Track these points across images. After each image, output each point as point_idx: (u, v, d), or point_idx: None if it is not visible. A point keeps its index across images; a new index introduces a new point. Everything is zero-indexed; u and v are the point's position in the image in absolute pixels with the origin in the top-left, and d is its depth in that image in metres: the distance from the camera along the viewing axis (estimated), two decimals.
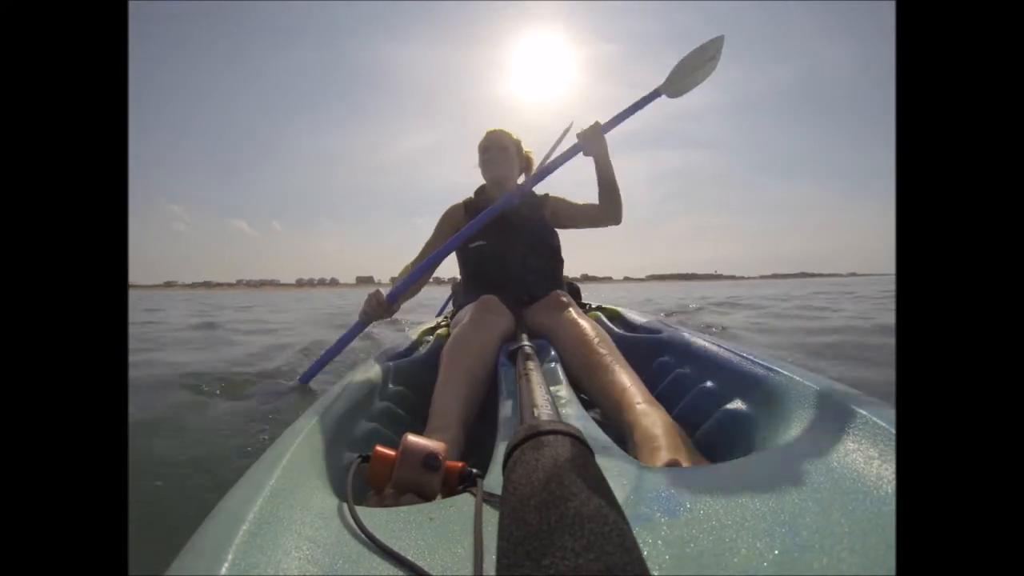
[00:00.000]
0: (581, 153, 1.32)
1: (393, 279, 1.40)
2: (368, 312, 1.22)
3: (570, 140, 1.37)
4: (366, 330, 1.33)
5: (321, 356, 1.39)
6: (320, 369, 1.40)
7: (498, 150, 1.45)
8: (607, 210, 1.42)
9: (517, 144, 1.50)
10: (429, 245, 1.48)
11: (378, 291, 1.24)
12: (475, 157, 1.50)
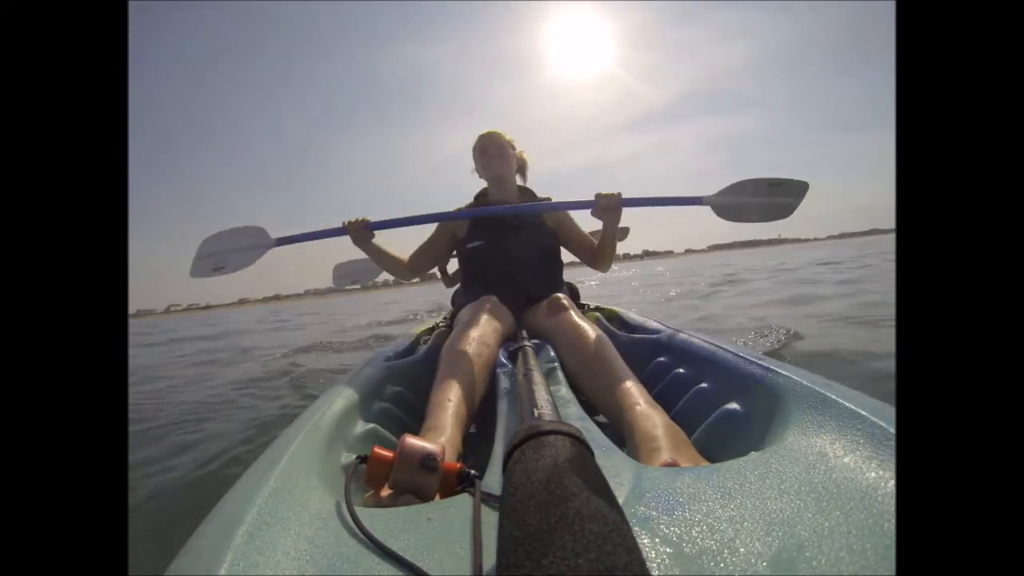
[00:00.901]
0: (591, 212, 1.26)
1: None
2: (348, 225, 1.33)
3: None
4: (365, 331, 1.37)
5: (302, 234, 1.42)
6: (296, 242, 1.43)
7: (496, 148, 1.45)
8: (599, 261, 1.43)
9: (511, 144, 1.50)
10: (426, 244, 1.49)
11: (366, 219, 1.33)
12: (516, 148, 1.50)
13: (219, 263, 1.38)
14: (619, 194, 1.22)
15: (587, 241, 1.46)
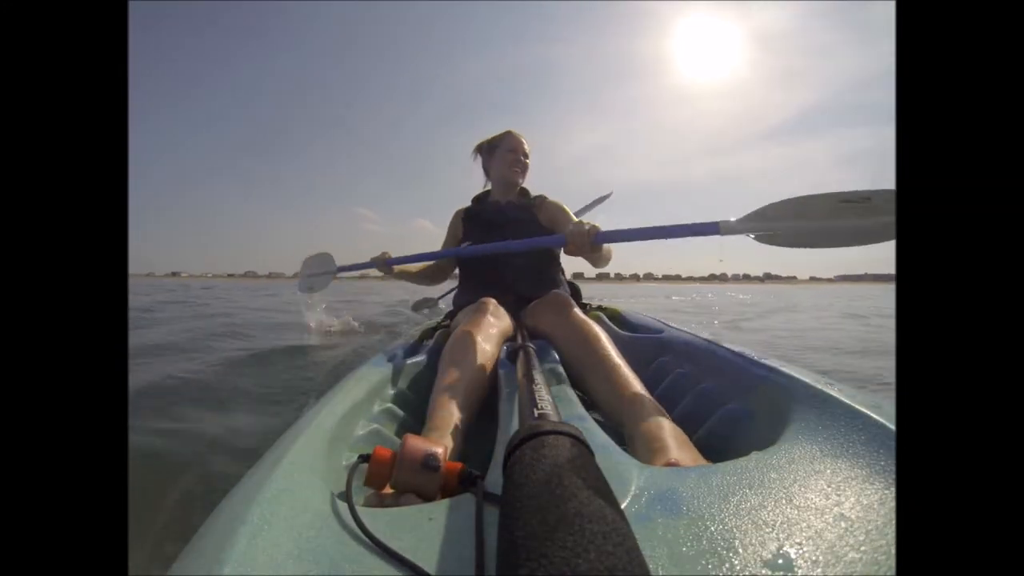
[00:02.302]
0: (563, 248, 1.17)
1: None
2: (375, 260, 1.51)
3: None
4: (361, 331, 1.48)
5: (344, 266, 1.75)
6: (343, 272, 1.78)
7: (524, 156, 1.48)
8: (594, 260, 1.35)
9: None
10: (444, 246, 1.58)
11: (387, 253, 1.51)
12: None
13: (311, 284, 1.91)
14: (593, 228, 1.08)
15: None
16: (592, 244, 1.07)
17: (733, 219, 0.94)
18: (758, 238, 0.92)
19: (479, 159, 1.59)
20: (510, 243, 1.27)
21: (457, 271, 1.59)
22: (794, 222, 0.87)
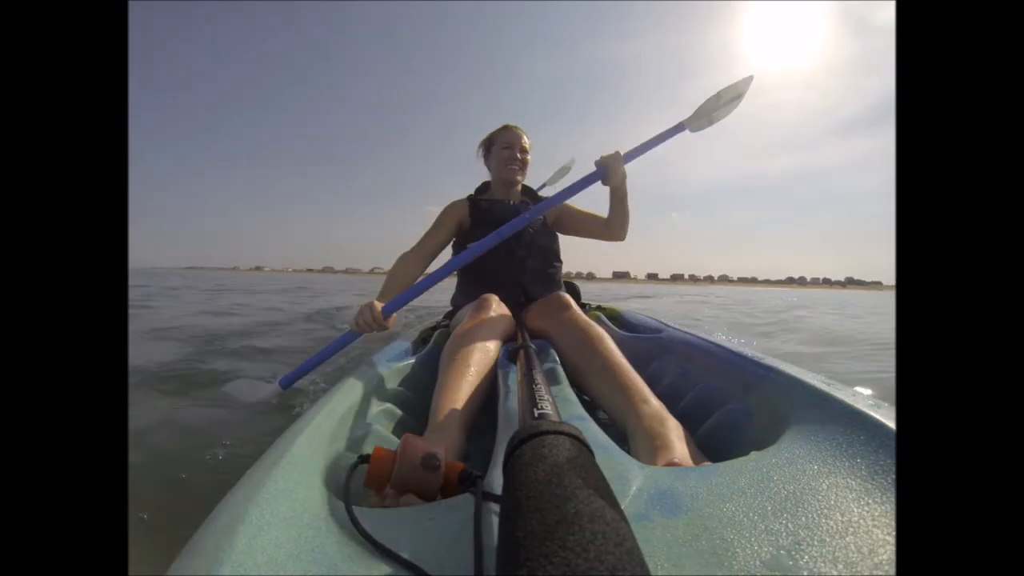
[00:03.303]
0: (601, 181, 1.26)
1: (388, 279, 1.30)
2: (360, 324, 1.09)
3: (576, 173, 1.35)
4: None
5: (306, 362, 1.22)
6: (302, 375, 1.24)
7: (522, 153, 1.45)
8: (615, 229, 1.43)
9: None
10: (429, 235, 1.41)
11: (373, 303, 1.10)
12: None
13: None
14: (618, 152, 1.24)
15: (594, 218, 1.47)
16: (623, 166, 1.24)
17: (687, 118, 1.32)
18: (692, 129, 1.32)
19: (481, 155, 1.58)
20: (538, 206, 1.25)
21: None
22: (714, 109, 1.31)
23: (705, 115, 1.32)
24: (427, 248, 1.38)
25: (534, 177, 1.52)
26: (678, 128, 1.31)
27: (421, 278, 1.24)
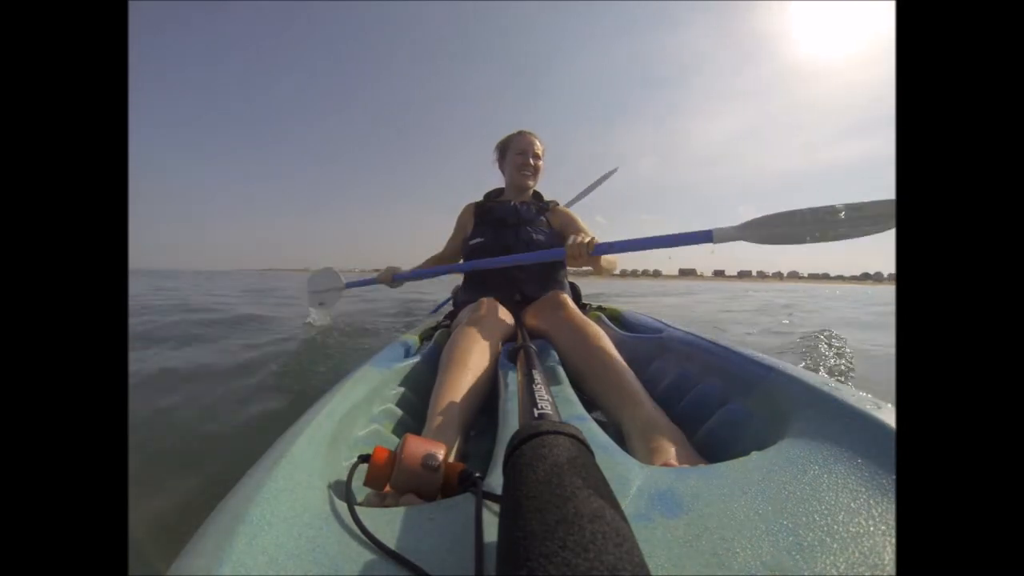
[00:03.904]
0: (563, 259, 1.20)
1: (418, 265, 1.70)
2: (380, 276, 1.68)
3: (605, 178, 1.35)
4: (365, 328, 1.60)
5: (353, 282, 1.96)
6: (353, 287, 1.99)
7: (535, 159, 1.47)
8: (599, 271, 1.42)
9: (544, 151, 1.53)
10: (450, 242, 1.64)
11: (393, 268, 1.65)
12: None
13: (321, 300, 2.18)
14: (591, 240, 1.14)
15: None
16: (590, 256, 1.13)
17: (728, 226, 1.09)
18: (747, 239, 1.09)
19: (496, 159, 1.60)
20: (517, 256, 1.32)
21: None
22: (781, 228, 1.02)
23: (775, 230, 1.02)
24: (448, 252, 1.64)
25: (548, 182, 1.57)
26: (700, 237, 1.11)
27: (430, 268, 1.60)
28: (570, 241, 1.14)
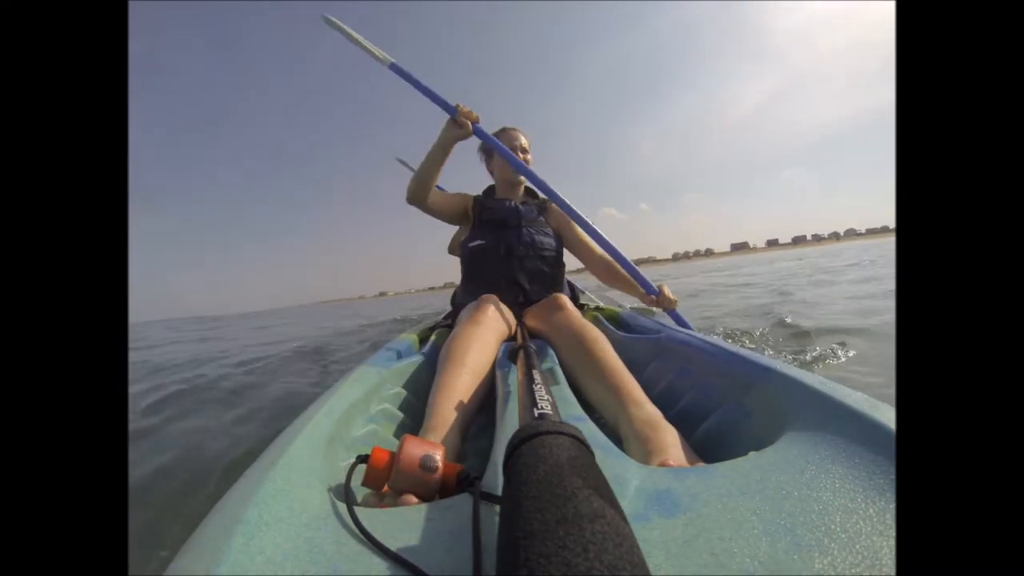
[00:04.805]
0: (652, 296, 1.30)
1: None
2: (460, 109, 1.30)
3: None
4: (362, 324, 1.40)
5: (417, 81, 1.44)
6: (409, 81, 1.46)
7: (521, 151, 1.46)
8: (600, 273, 1.44)
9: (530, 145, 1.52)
10: (444, 196, 1.47)
11: (477, 117, 1.32)
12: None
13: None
14: (675, 301, 1.27)
15: (588, 249, 1.47)
16: (669, 311, 1.27)
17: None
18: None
19: (482, 160, 1.59)
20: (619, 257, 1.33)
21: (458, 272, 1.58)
22: None
23: None
24: (439, 196, 1.42)
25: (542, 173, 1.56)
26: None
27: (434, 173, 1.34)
28: (666, 293, 1.27)
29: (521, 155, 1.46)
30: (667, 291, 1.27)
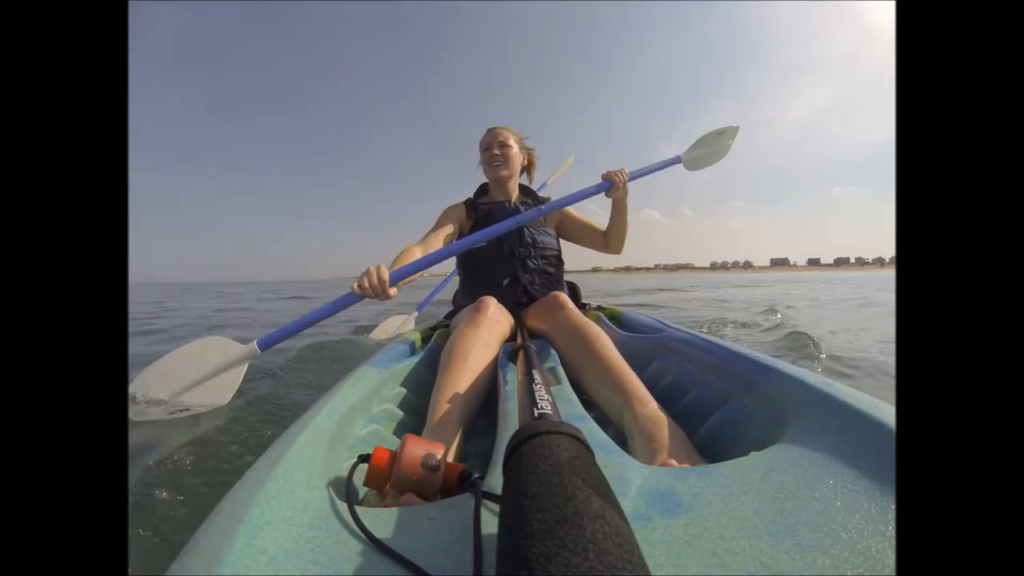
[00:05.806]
0: (606, 193, 1.38)
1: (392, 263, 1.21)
2: (363, 287, 1.01)
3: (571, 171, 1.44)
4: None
5: (291, 324, 1.11)
6: (284, 339, 1.14)
7: (499, 147, 1.45)
8: (612, 242, 1.48)
9: (520, 141, 1.50)
10: (430, 233, 1.39)
11: (381, 266, 1.03)
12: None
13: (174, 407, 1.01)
14: (624, 169, 1.37)
15: (593, 229, 1.51)
16: (627, 180, 1.37)
17: (683, 152, 1.62)
18: (686, 167, 1.61)
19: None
20: (536, 210, 1.36)
21: (457, 272, 1.57)
22: (701, 149, 1.60)
23: (697, 157, 1.56)
24: (429, 245, 1.34)
25: (542, 170, 1.60)
26: (674, 160, 1.57)
27: (428, 256, 1.22)
28: (609, 171, 1.36)
29: (499, 150, 1.45)
30: (616, 178, 1.36)
